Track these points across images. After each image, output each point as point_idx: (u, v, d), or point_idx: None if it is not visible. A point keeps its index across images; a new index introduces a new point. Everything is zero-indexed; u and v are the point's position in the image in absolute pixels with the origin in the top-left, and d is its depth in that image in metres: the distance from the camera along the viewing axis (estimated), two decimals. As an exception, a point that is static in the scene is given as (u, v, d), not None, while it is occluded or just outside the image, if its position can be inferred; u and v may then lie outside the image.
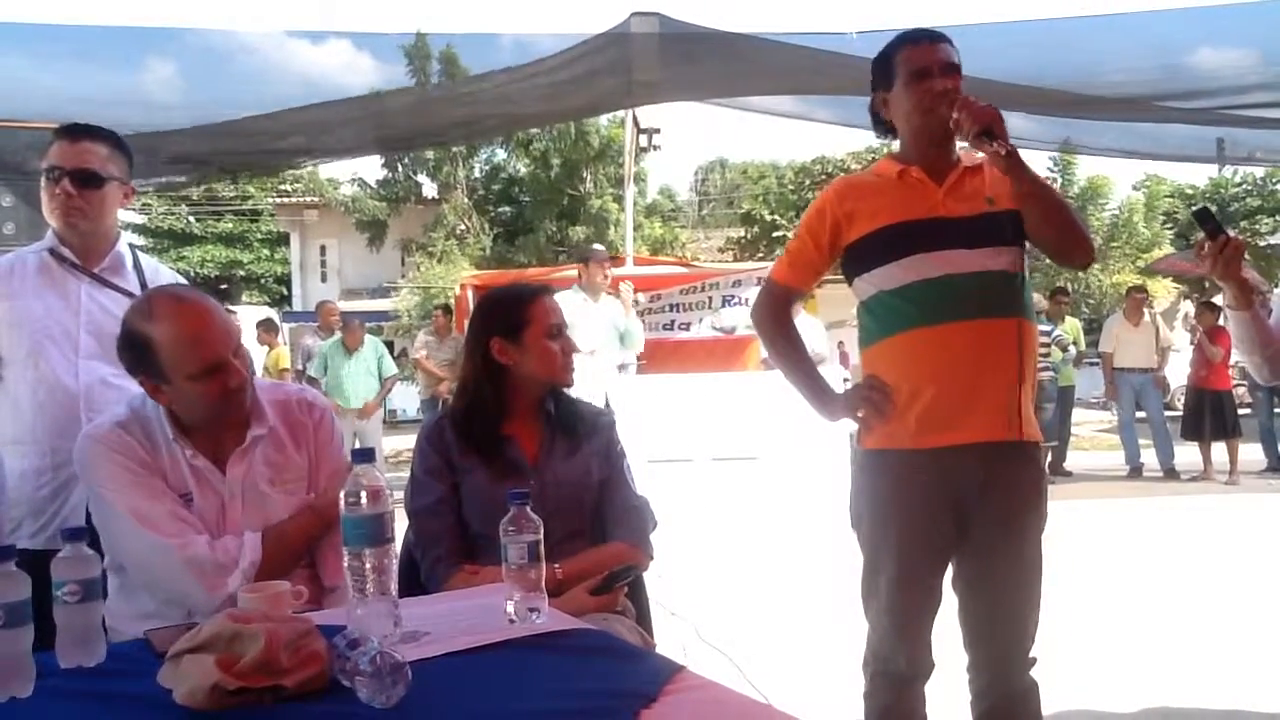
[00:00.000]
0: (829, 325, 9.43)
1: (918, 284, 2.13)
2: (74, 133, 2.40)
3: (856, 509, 2.31)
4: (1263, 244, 21.17)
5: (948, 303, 2.10)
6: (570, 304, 5.26)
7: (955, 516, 2.16)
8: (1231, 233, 2.09)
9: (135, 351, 1.88)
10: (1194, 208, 2.50)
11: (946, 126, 2.12)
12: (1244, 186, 23.46)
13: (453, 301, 11.30)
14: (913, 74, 2.15)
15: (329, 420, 2.15)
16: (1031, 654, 2.23)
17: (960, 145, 2.23)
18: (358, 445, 2.06)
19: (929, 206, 2.15)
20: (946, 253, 2.11)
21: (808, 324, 8.91)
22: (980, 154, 2.14)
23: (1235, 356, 9.51)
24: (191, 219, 28.37)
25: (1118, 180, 22.62)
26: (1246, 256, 2.13)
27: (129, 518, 1.84)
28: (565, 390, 2.25)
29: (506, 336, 2.18)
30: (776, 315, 2.38)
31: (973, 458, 2.11)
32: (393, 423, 15.78)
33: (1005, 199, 2.16)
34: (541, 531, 1.54)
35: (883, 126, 2.31)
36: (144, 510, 1.85)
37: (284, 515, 1.98)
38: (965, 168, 2.22)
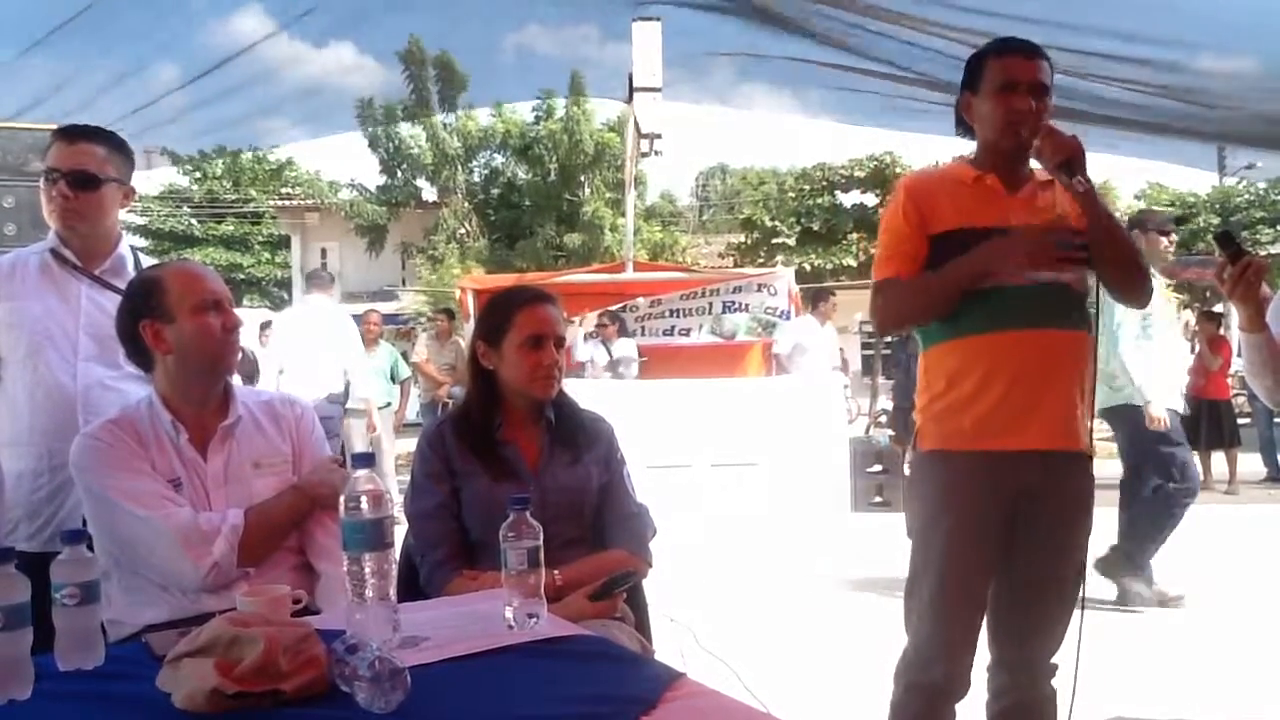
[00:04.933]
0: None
1: (984, 290, 2.13)
2: (71, 134, 2.39)
3: (911, 512, 2.33)
4: (1264, 253, 21.19)
5: (1014, 310, 2.11)
6: None
7: (1007, 521, 2.17)
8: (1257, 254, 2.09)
9: (142, 296, 2.01)
10: (1216, 230, 2.52)
11: (1022, 144, 2.13)
12: (1246, 196, 23.48)
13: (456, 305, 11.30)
14: (1000, 85, 2.14)
15: (310, 414, 2.23)
16: (1054, 661, 2.24)
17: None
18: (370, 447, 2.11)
19: (999, 215, 2.14)
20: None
21: (829, 333, 8.91)
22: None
23: (1235, 366, 9.52)
24: (193, 221, 28.38)
25: (1120, 188, 22.58)
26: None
27: (117, 499, 1.91)
28: (567, 396, 2.24)
29: (488, 341, 2.18)
30: (895, 287, 2.25)
31: (1030, 464, 2.12)
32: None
33: (1076, 217, 2.15)
34: (541, 537, 1.54)
35: (963, 126, 2.30)
36: (131, 490, 1.91)
37: (268, 496, 2.04)
38: (1039, 181, 2.22)
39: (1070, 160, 2.04)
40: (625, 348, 9.08)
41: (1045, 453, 2.13)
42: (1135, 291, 2.24)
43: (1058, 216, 2.16)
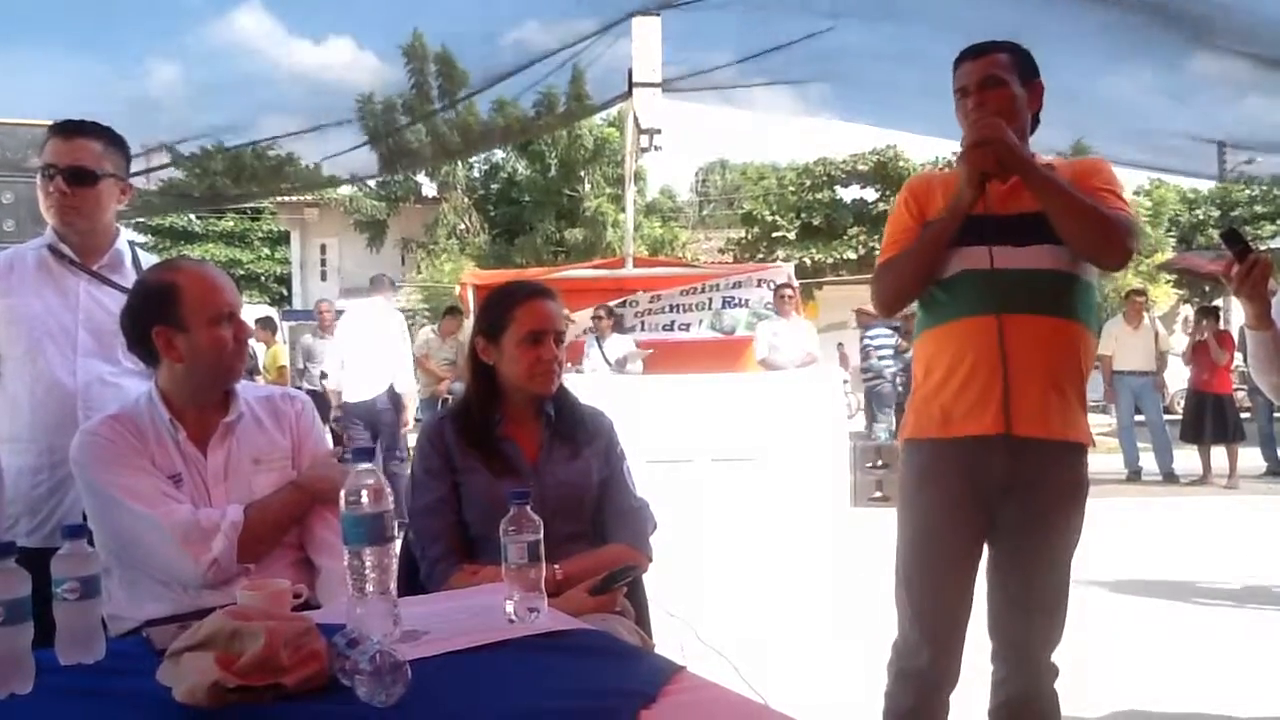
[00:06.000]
0: (827, 327, 9.45)
1: (956, 277, 2.18)
2: (67, 130, 2.38)
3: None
4: (1264, 249, 21.16)
5: (984, 297, 2.14)
6: None
7: (982, 507, 2.20)
8: (1260, 249, 2.09)
9: (156, 301, 1.97)
10: (1222, 228, 2.51)
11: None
12: (1248, 192, 23.46)
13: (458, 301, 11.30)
14: (956, 92, 2.24)
15: (310, 409, 2.22)
16: (1053, 663, 2.24)
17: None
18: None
19: (984, 203, 2.16)
20: (986, 248, 2.14)
21: (799, 326, 8.91)
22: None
23: (1236, 361, 9.53)
24: (192, 217, 28.35)
25: (1124, 184, 22.52)
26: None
27: (117, 495, 1.90)
28: (567, 391, 2.24)
29: (488, 337, 2.18)
30: (890, 263, 2.31)
31: (997, 450, 2.13)
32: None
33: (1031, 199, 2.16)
34: (541, 531, 1.54)
35: None
36: (131, 486, 1.91)
37: (268, 492, 2.03)
38: None
39: (982, 139, 2.07)
40: (621, 344, 9.04)
41: (1016, 439, 2.12)
42: (1104, 252, 2.17)
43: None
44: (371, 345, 7.07)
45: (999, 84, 2.17)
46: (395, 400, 7.15)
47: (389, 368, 7.08)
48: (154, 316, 1.97)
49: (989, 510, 2.20)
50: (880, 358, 9.42)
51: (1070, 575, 2.23)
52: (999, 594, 2.25)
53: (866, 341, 9.65)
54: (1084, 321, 2.20)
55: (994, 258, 2.14)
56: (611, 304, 9.99)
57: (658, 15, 7.07)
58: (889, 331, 9.17)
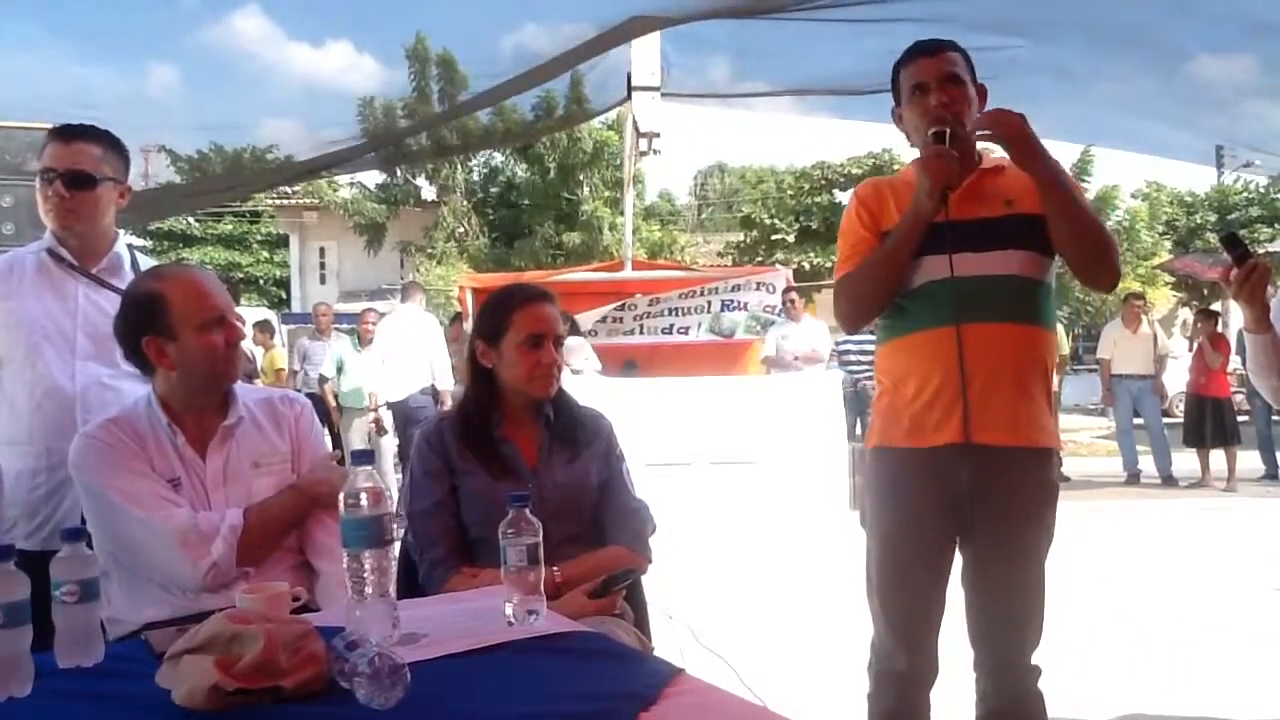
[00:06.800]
0: (829, 328, 9.44)
1: (917, 288, 2.16)
2: (67, 134, 2.38)
3: (863, 506, 2.39)
4: (1262, 252, 21.18)
5: (947, 306, 2.12)
6: None
7: (953, 515, 2.18)
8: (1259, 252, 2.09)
9: (145, 311, 1.97)
10: (1222, 232, 2.49)
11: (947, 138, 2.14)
12: (1245, 195, 23.47)
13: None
14: (912, 89, 2.19)
15: (309, 412, 2.22)
16: (1035, 664, 2.23)
17: (983, 146, 2.25)
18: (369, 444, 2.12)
19: (944, 211, 2.14)
20: (946, 256, 2.13)
21: (811, 326, 8.92)
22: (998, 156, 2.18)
23: (1233, 364, 9.54)
24: (191, 220, 28.33)
25: (1120, 185, 22.51)
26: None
27: (115, 499, 1.90)
28: (566, 394, 2.24)
29: (487, 340, 2.18)
30: (849, 278, 2.28)
31: (964, 458, 2.13)
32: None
33: (1026, 202, 2.14)
34: (540, 534, 1.54)
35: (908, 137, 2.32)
36: (130, 490, 1.91)
37: (267, 495, 2.03)
38: (983, 170, 2.23)
39: (942, 130, 2.07)
40: (572, 343, 8.98)
41: (977, 447, 2.11)
42: (1096, 271, 2.17)
43: (1005, 203, 2.16)
44: (407, 348, 7.63)
45: (959, 82, 2.16)
46: (436, 398, 7.58)
47: (425, 368, 7.58)
48: (143, 327, 1.97)
49: (958, 517, 2.18)
50: (844, 363, 9.46)
51: (1044, 578, 2.22)
52: (974, 601, 2.24)
53: (832, 346, 9.73)
54: (1045, 325, 2.19)
55: (954, 265, 2.12)
56: (610, 306, 9.99)
57: (656, 18, 7.07)
58: (864, 336, 9.19)
